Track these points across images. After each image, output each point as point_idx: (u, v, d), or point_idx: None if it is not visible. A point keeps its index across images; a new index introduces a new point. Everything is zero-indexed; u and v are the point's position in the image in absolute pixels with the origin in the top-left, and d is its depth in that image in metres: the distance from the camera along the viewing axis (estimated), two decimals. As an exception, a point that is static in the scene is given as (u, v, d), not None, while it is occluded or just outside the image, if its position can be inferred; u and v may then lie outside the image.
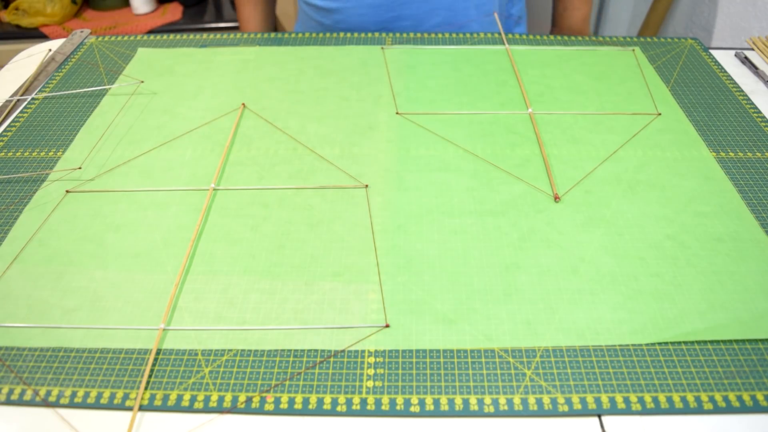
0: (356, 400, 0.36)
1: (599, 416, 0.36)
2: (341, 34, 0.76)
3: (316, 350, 0.39)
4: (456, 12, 0.82)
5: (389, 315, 0.41)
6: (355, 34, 0.76)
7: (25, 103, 0.64)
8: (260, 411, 0.36)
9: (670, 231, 0.47)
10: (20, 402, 0.36)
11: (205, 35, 0.76)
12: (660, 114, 0.61)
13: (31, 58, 0.73)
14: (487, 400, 0.36)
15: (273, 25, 0.97)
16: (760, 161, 0.54)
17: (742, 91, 0.64)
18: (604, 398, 0.36)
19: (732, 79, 0.67)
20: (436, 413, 0.36)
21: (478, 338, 0.40)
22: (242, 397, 0.37)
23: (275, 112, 0.61)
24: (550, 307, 0.41)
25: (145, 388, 0.37)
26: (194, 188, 0.52)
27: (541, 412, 0.36)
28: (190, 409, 0.36)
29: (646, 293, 0.42)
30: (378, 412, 0.36)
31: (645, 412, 0.36)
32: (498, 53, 0.71)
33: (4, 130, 0.59)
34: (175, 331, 0.40)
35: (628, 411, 0.36)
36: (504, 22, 0.86)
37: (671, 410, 0.36)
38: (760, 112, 0.61)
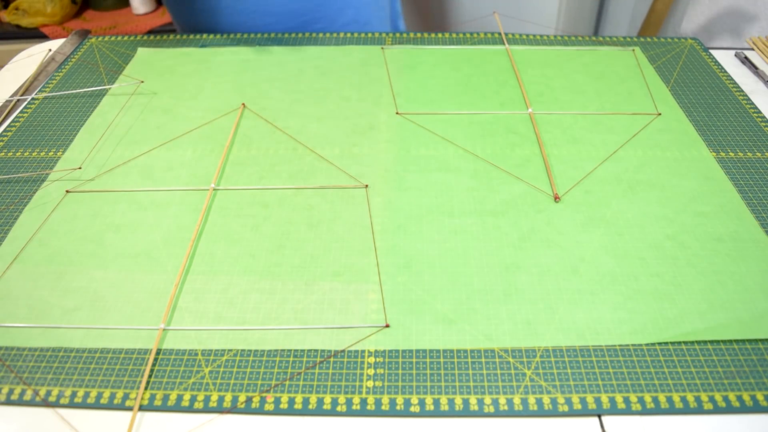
0: (356, 400, 0.36)
1: (599, 416, 0.36)
2: (341, 34, 0.76)
3: (316, 350, 0.39)
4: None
5: (389, 315, 0.41)
6: (355, 34, 0.76)
7: (25, 103, 0.64)
8: (260, 411, 0.36)
9: (670, 231, 0.47)
10: (20, 402, 0.36)
11: (205, 35, 0.76)
12: (660, 114, 0.61)
13: (31, 58, 0.73)
14: (487, 400, 0.36)
15: None
16: (760, 161, 0.54)
17: (742, 91, 0.64)
18: (604, 398, 0.36)
19: (732, 79, 0.67)
20: (436, 413, 0.36)
21: (478, 338, 0.40)
22: (242, 397, 0.37)
23: (275, 112, 0.61)
24: (550, 307, 0.41)
25: (145, 388, 0.37)
26: (194, 188, 0.52)
27: (541, 412, 0.36)
28: (190, 409, 0.36)
29: (646, 293, 0.42)
30: (378, 412, 0.36)
31: (645, 412, 0.36)
32: (498, 53, 0.71)
33: (4, 130, 0.59)
34: (175, 331, 0.40)
35: (628, 411, 0.36)
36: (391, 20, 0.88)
37: (671, 410, 0.36)
38: (760, 112, 0.61)
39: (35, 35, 1.35)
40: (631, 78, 0.66)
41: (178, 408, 0.36)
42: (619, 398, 0.36)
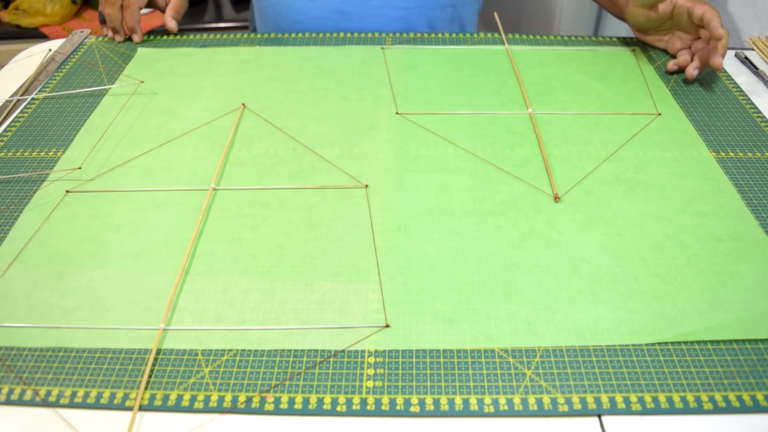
0: (356, 400, 0.36)
1: (599, 416, 0.36)
2: (341, 34, 0.76)
3: (316, 350, 0.39)
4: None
5: (389, 315, 0.41)
6: (355, 34, 0.76)
7: (25, 103, 0.64)
8: (260, 411, 0.36)
9: (670, 231, 0.47)
10: (20, 402, 0.36)
11: (205, 35, 0.76)
12: (660, 114, 0.61)
13: (31, 58, 0.73)
14: (487, 400, 0.36)
15: None
16: (760, 161, 0.54)
17: (742, 91, 0.64)
18: (604, 398, 0.36)
19: (732, 79, 0.67)
20: (436, 413, 0.36)
21: (478, 338, 0.40)
22: (242, 397, 0.37)
23: (275, 112, 0.61)
24: (550, 307, 0.41)
25: (145, 388, 0.37)
26: (194, 188, 0.52)
27: (541, 412, 0.36)
28: (190, 409, 0.36)
29: (646, 293, 0.42)
30: (378, 412, 0.36)
31: (645, 412, 0.36)
32: (498, 53, 0.71)
33: (4, 130, 0.59)
34: (175, 331, 0.40)
35: (628, 411, 0.36)
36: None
37: (671, 410, 0.36)
38: (760, 112, 0.61)
39: (35, 35, 1.35)
40: (631, 78, 0.66)
41: (178, 408, 0.36)
42: (619, 398, 0.36)
